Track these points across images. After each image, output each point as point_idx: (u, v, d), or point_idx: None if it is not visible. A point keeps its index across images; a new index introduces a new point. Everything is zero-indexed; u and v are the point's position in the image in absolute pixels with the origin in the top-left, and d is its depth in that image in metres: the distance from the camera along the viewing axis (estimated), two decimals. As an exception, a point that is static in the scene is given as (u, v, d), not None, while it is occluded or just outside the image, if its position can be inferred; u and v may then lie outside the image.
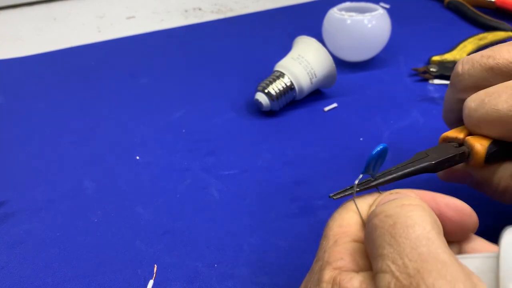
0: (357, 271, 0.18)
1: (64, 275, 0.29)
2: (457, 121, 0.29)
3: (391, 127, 0.42)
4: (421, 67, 0.51)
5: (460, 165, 0.28)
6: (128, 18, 0.72)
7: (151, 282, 0.29)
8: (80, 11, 0.75)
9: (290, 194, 0.35)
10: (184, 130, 0.43)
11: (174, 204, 0.35)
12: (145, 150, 0.41)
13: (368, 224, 0.19)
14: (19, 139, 0.43)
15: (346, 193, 0.22)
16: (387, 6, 0.69)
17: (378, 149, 0.21)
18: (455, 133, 0.27)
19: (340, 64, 0.52)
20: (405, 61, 0.54)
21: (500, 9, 0.63)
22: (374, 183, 0.23)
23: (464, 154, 0.26)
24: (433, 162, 0.25)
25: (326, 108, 0.46)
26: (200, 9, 0.75)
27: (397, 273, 0.15)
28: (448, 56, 0.52)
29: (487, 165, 0.26)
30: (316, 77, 0.45)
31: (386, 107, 0.45)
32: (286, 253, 0.30)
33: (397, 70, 0.52)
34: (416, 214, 0.17)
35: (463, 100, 0.27)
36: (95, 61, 0.57)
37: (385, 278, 0.16)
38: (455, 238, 0.21)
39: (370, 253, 0.18)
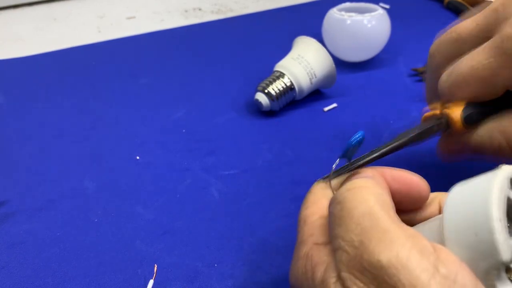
0: (327, 242, 0.21)
1: (64, 275, 0.30)
2: (437, 99, 0.31)
3: (390, 127, 0.42)
4: (420, 67, 0.51)
5: (452, 139, 0.29)
6: (128, 18, 0.72)
7: (151, 282, 0.29)
8: (80, 11, 0.75)
9: (290, 194, 0.35)
10: (184, 130, 0.43)
11: (174, 204, 0.35)
12: (145, 150, 0.41)
13: (328, 212, 0.21)
14: (19, 139, 0.43)
15: (325, 178, 0.25)
16: (387, 6, 0.69)
17: (358, 137, 0.23)
18: (433, 111, 0.29)
19: (340, 64, 0.52)
20: (405, 61, 0.54)
21: (500, 9, 0.63)
22: (353, 166, 0.24)
23: (442, 123, 0.27)
24: (410, 135, 0.26)
25: (326, 108, 0.46)
26: (200, 9, 0.75)
27: (346, 247, 0.18)
28: (448, 56, 0.52)
29: (470, 128, 0.28)
30: (316, 77, 0.45)
31: (386, 107, 0.45)
32: (286, 253, 0.30)
33: (396, 70, 0.52)
34: (359, 195, 0.19)
35: (438, 78, 0.29)
36: (95, 61, 0.57)
37: (339, 253, 0.18)
38: (408, 207, 0.23)
39: (330, 235, 0.20)
